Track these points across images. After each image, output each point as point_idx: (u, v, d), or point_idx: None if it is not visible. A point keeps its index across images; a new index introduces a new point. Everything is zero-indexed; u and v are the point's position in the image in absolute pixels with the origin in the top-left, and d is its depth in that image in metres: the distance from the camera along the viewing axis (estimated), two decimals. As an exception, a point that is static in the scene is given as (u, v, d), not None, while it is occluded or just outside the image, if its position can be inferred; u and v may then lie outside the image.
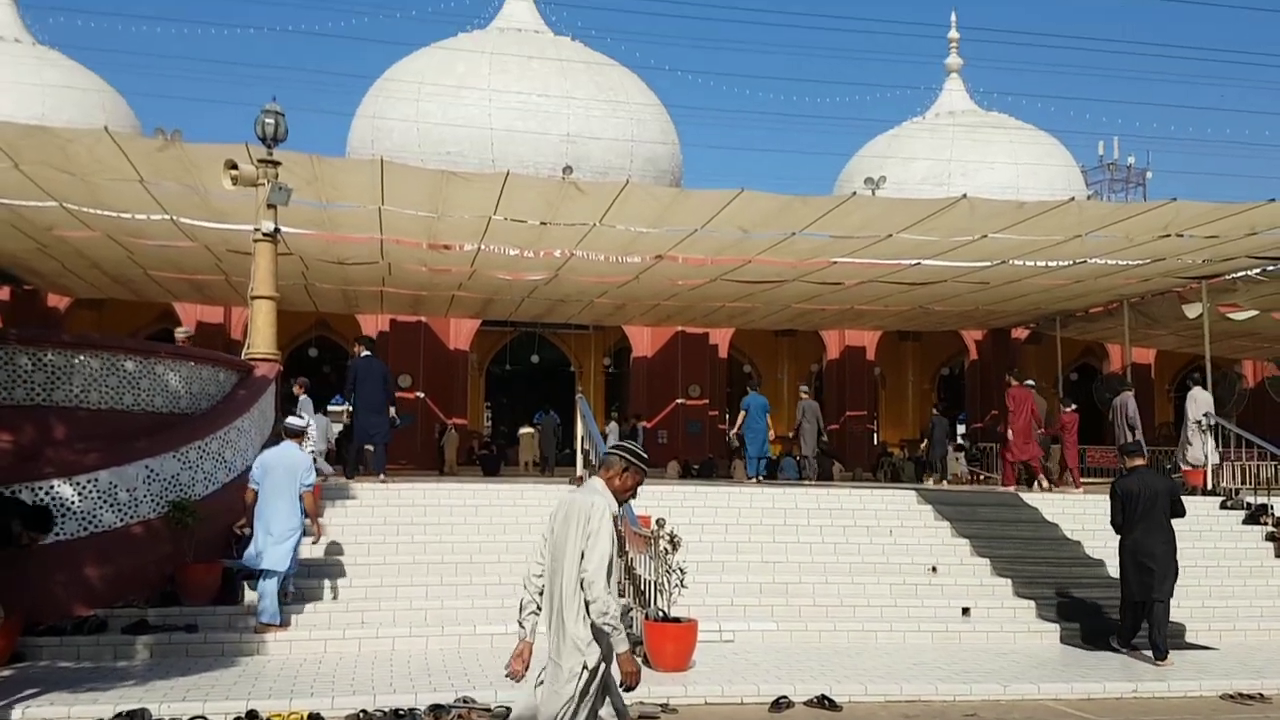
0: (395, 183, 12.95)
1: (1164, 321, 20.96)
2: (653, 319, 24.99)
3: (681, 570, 8.63)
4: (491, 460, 23.93)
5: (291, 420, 9.58)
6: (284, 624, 8.68)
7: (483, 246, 15.87)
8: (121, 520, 9.11)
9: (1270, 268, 17.23)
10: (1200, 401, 15.70)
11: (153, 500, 9.36)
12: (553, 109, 26.78)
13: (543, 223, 14.50)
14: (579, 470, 13.00)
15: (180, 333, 15.90)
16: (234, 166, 11.61)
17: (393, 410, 14.21)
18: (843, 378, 28.77)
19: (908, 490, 13.64)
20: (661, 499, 11.75)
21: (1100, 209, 15.80)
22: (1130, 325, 20.75)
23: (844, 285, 18.72)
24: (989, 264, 16.56)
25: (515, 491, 12.22)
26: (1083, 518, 12.28)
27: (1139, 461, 9.69)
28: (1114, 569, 9.92)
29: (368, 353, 14.24)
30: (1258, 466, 15.28)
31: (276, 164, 12.00)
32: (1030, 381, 16.89)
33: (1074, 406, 17.81)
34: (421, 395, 25.59)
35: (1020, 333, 27.23)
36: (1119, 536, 9.42)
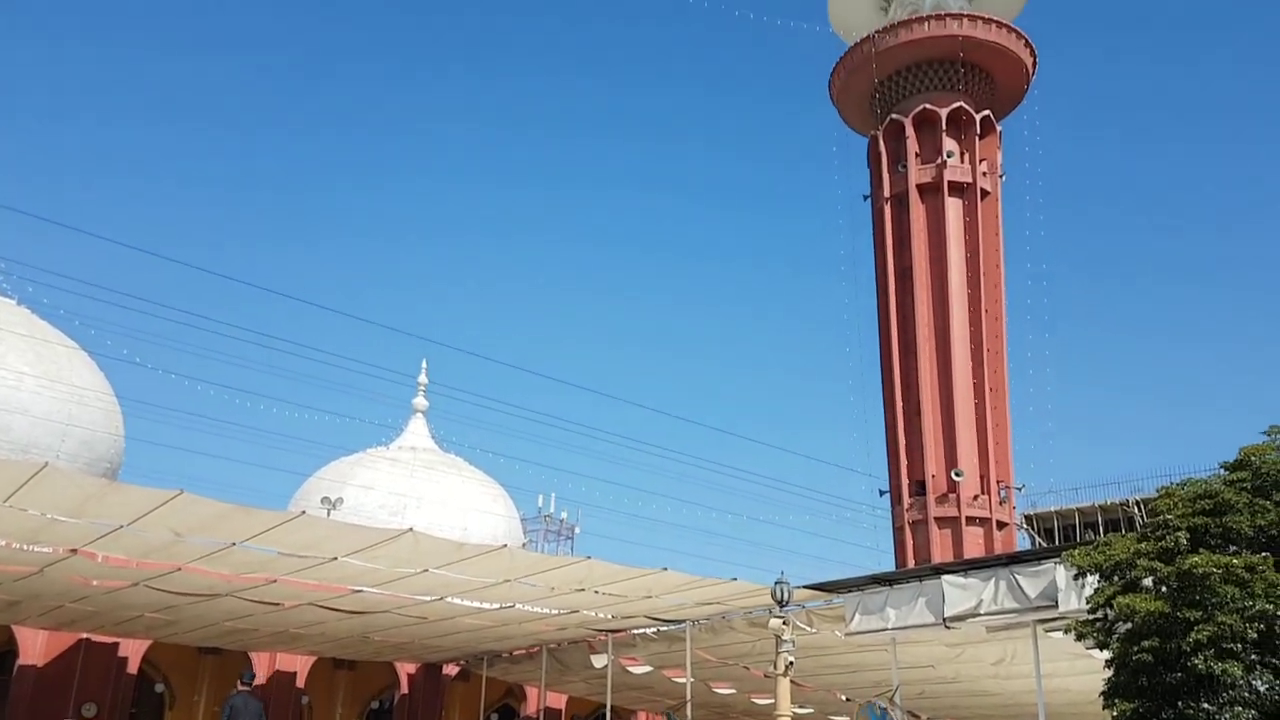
0: None
1: (575, 669, 22.90)
2: (53, 621, 21.52)
3: None
4: None
5: None
6: None
7: None
8: None
9: (663, 628, 20.03)
10: None
11: None
12: (-27, 372, 23.71)
13: (-71, 495, 12.39)
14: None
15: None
16: None
17: None
18: (268, 705, 26.62)
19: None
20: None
21: (529, 558, 17.39)
22: (548, 670, 22.37)
23: (282, 606, 18.01)
24: (429, 599, 17.12)
25: None
26: None
27: None
28: None
29: None
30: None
31: None
32: None
33: None
34: None
35: (451, 669, 27.84)
36: None
